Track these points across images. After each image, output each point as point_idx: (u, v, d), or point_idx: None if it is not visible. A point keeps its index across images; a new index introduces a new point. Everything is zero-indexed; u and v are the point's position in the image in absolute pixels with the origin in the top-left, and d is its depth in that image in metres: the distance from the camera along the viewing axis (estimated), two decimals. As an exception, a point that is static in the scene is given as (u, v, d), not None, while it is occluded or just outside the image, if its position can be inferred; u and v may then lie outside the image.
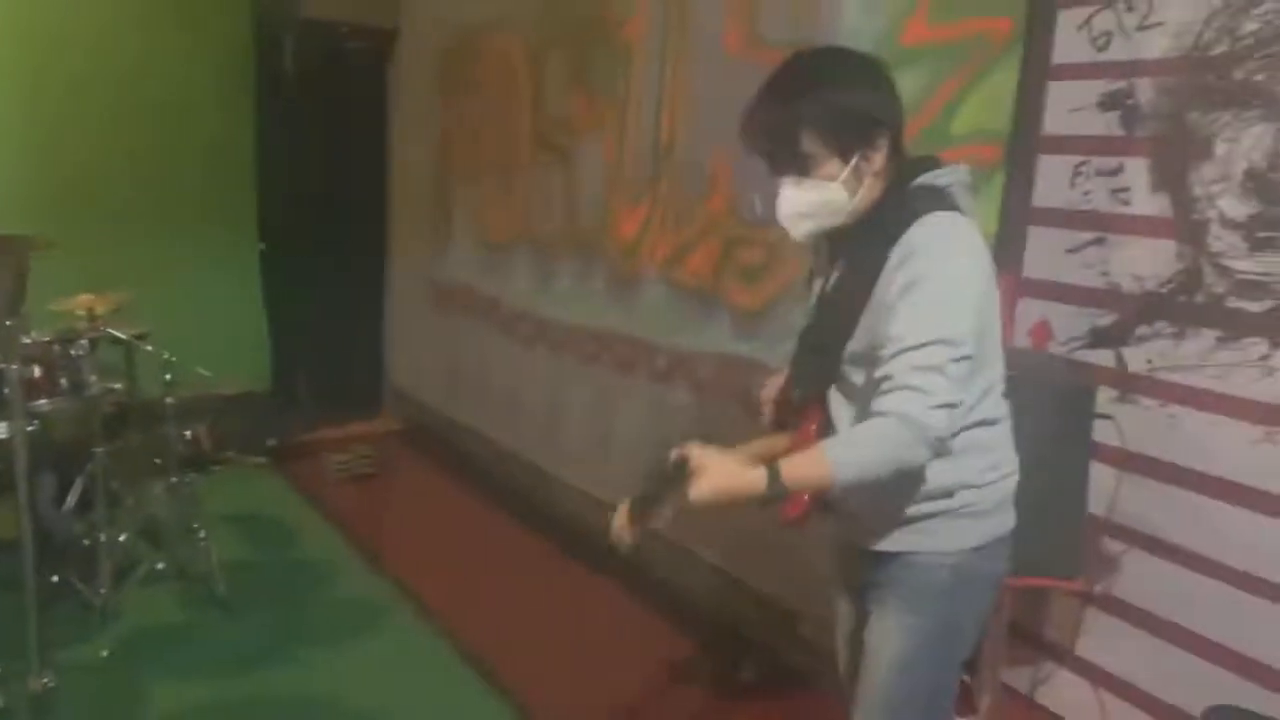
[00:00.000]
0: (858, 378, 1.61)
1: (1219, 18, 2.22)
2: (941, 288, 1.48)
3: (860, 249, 1.60)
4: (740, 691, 2.87)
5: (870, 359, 1.55)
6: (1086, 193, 2.52)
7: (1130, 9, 2.38)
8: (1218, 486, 2.26)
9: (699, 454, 1.50)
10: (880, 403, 1.48)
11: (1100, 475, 2.39)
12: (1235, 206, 2.21)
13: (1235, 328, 2.22)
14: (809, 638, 2.95)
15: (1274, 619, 2.14)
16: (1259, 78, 2.15)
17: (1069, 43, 2.53)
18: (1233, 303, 2.22)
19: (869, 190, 1.60)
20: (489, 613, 3.29)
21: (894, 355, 1.48)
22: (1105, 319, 2.49)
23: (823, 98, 1.56)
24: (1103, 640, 2.50)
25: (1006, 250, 2.75)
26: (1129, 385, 2.43)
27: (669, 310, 3.39)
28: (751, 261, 3.01)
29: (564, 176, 3.97)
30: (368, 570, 3.64)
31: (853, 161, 1.57)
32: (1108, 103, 2.47)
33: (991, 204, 2.75)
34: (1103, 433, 2.39)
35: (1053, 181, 2.59)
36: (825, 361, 1.65)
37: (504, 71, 4.39)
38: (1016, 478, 1.71)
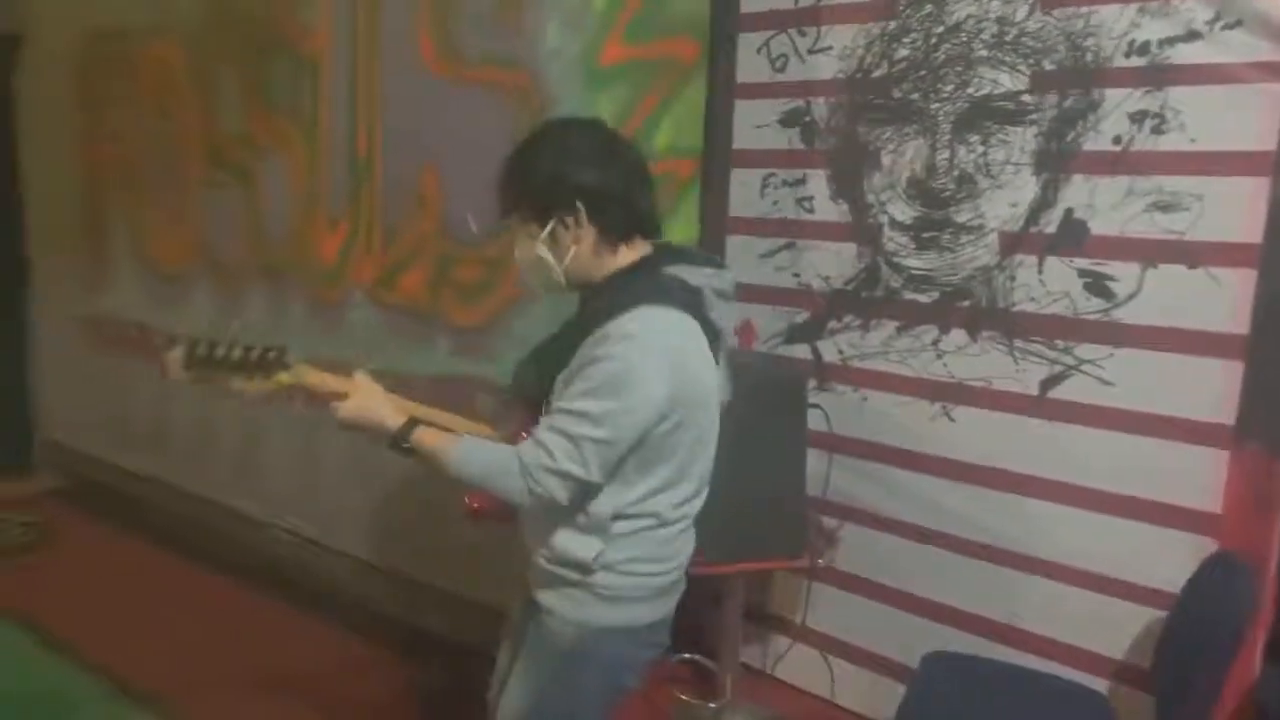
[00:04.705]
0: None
1: (877, 44, 2.51)
2: (614, 373, 1.53)
3: (589, 309, 1.65)
4: (439, 692, 2.89)
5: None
6: (775, 202, 2.75)
7: (802, 34, 2.62)
8: (906, 458, 2.55)
9: (360, 380, 1.76)
10: (525, 440, 1.60)
11: (813, 458, 2.59)
12: (902, 211, 2.51)
13: (910, 317, 2.52)
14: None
15: (964, 570, 2.45)
16: (913, 96, 2.45)
17: (750, 64, 2.74)
18: (907, 295, 2.52)
19: (583, 259, 1.64)
20: (213, 685, 2.91)
21: (553, 411, 1.58)
22: (800, 316, 2.73)
23: (528, 162, 1.63)
24: (827, 610, 2.73)
25: (709, 257, 2.93)
26: (826, 374, 2.68)
27: (379, 333, 3.24)
28: (470, 279, 2.95)
29: (246, 197, 3.67)
30: (51, 658, 3.10)
31: (549, 225, 1.61)
32: (788, 119, 2.70)
33: (691, 214, 2.92)
34: (812, 420, 2.61)
35: (745, 192, 2.80)
36: (544, 380, 1.68)
37: (163, 84, 3.98)
38: (674, 579, 1.72)
